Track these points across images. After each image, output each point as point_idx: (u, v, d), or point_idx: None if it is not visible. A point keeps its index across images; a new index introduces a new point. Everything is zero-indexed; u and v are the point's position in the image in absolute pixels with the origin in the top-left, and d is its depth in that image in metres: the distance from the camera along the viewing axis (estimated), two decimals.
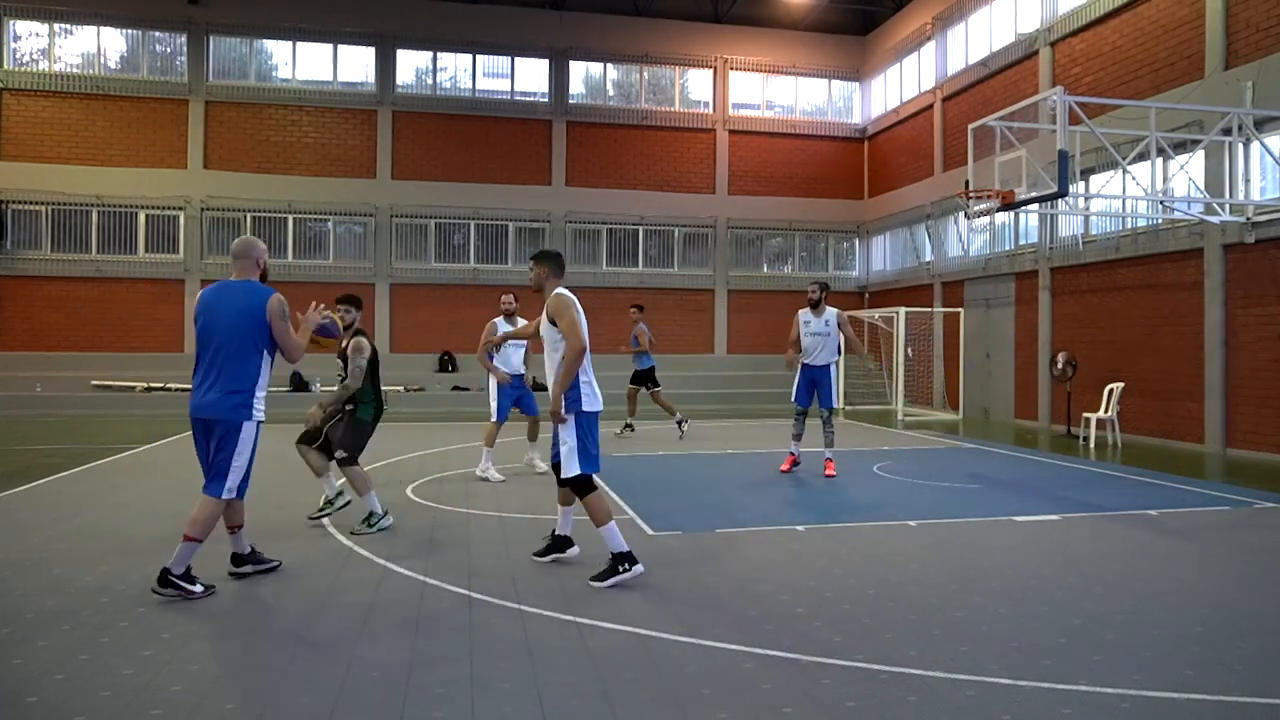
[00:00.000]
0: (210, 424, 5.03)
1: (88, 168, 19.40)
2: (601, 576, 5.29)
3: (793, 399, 9.94)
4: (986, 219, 15.51)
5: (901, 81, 21.76)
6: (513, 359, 9.43)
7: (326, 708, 3.53)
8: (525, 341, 8.92)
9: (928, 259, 20.33)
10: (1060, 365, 14.43)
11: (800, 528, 6.98)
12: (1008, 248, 17.62)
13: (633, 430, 14.00)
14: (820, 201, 23.07)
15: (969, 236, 18.52)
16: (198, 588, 5.00)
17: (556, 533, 5.85)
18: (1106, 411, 13.33)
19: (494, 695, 3.66)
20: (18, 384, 17.83)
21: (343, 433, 6.78)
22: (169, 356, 19.11)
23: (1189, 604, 4.99)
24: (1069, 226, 15.47)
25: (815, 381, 9.70)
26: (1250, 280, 12.02)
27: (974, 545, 6.41)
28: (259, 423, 5.11)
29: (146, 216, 19.83)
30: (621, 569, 5.26)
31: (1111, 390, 13.48)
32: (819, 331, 9.63)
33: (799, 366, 9.80)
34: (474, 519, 7.34)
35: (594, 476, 5.45)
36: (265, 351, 5.10)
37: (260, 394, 5.10)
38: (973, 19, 18.79)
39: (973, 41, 18.82)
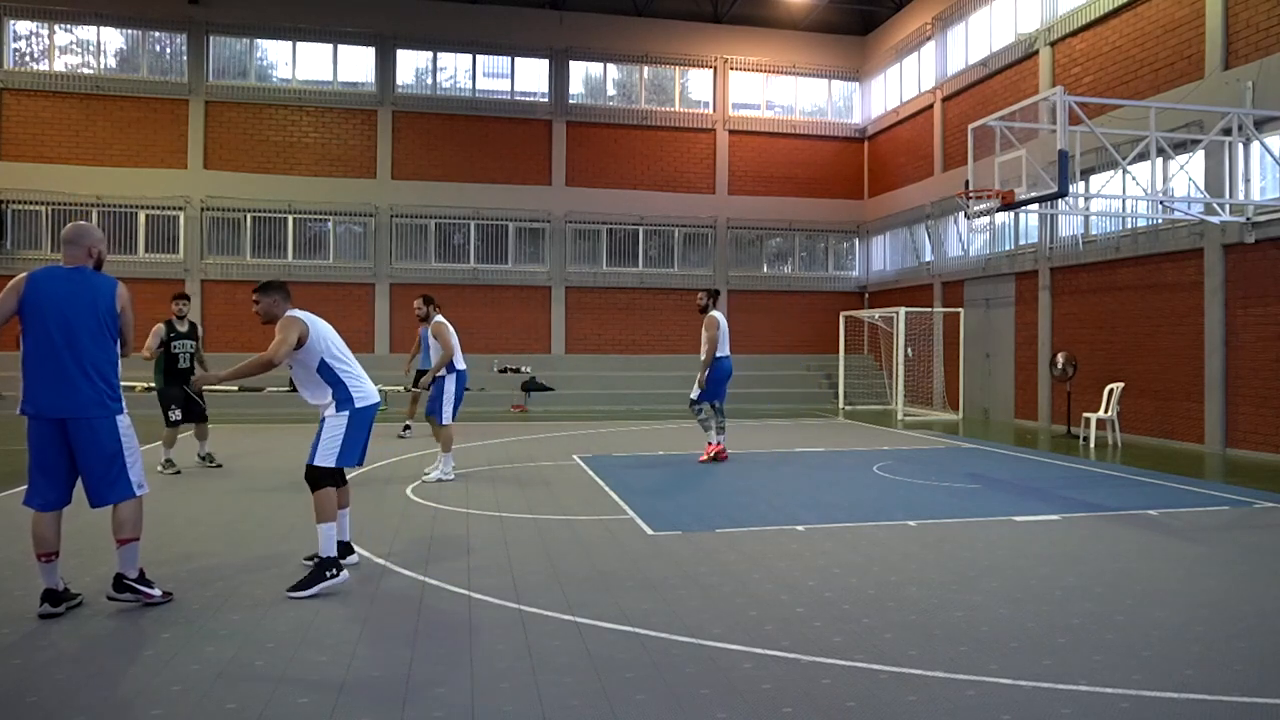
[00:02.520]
0: (75, 423, 4.62)
1: (88, 168, 19.40)
2: (304, 584, 5.06)
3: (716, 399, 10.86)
4: (986, 219, 15.51)
5: (901, 81, 21.75)
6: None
7: (326, 708, 3.53)
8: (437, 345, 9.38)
9: (928, 259, 20.33)
10: (1060, 365, 14.43)
11: (800, 528, 6.98)
12: (1008, 248, 17.62)
13: (409, 430, 13.55)
14: (820, 201, 23.07)
15: (969, 236, 18.52)
16: (156, 591, 4.85)
17: (338, 539, 5.56)
18: (1106, 411, 13.33)
19: (494, 695, 3.66)
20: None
21: None
22: None
23: (1189, 604, 4.99)
24: (1069, 226, 15.47)
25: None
26: (1250, 280, 12.02)
27: (974, 545, 6.41)
28: (127, 413, 4.85)
29: (146, 216, 19.84)
30: (328, 575, 5.11)
31: (1111, 390, 13.48)
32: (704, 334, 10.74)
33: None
34: (474, 519, 7.34)
35: (334, 473, 5.42)
36: (116, 342, 4.81)
37: (119, 386, 4.82)
38: (973, 19, 18.79)
39: (973, 41, 18.82)
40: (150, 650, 4.18)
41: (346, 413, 5.38)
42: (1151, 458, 11.75)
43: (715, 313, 10.75)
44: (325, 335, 5.45)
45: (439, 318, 9.44)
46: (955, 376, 18.36)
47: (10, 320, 4.67)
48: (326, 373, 5.38)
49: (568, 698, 3.63)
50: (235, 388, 18.59)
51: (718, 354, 10.71)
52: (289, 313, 5.40)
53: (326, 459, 5.33)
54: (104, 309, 4.73)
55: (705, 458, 10.79)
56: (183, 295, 10.22)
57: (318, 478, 5.32)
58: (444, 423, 9.30)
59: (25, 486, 4.79)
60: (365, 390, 5.51)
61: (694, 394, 10.81)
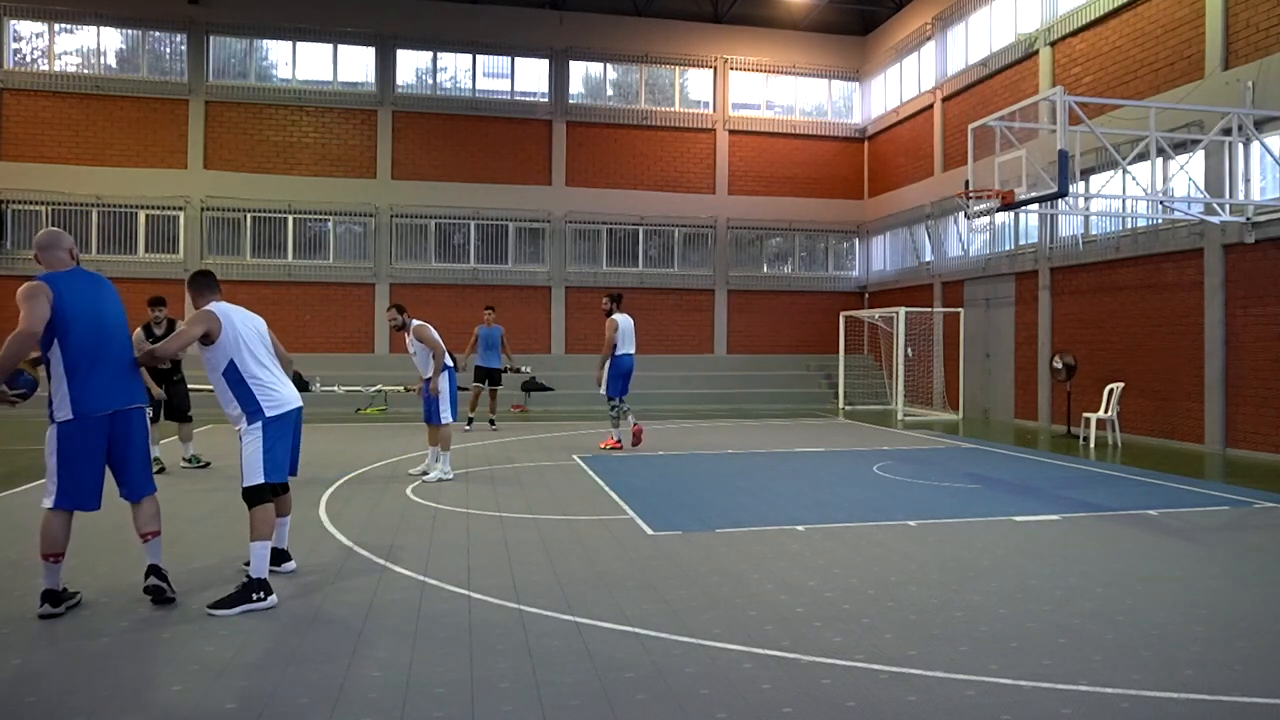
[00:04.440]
0: (125, 417, 4.83)
1: (88, 168, 19.40)
2: (228, 602, 4.75)
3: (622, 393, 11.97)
4: (986, 219, 15.51)
5: (901, 81, 21.75)
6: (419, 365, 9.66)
7: (326, 708, 3.53)
8: (428, 349, 9.26)
9: (928, 259, 20.32)
10: (1060, 365, 14.42)
11: (800, 528, 6.98)
12: (1008, 248, 17.61)
13: (495, 427, 14.79)
14: (820, 201, 23.07)
15: (969, 236, 18.52)
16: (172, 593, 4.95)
17: (272, 546, 5.27)
18: (1106, 411, 13.32)
19: (494, 695, 3.66)
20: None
21: None
22: None
23: (1189, 604, 4.99)
24: (1069, 226, 15.47)
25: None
26: (1250, 280, 12.02)
27: (974, 545, 6.41)
28: None
29: (146, 216, 19.83)
30: (255, 597, 4.79)
31: (1111, 390, 13.48)
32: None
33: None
34: (473, 519, 7.34)
35: (270, 488, 5.13)
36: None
37: None
38: (973, 19, 18.79)
39: (973, 41, 18.82)
40: (150, 650, 4.18)
41: (259, 424, 5.06)
42: (1151, 458, 11.74)
43: (617, 315, 11.86)
44: (241, 335, 5.14)
45: (416, 321, 9.40)
46: (955, 376, 18.36)
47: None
48: (232, 376, 5.06)
49: (568, 698, 3.63)
50: None
51: (619, 352, 11.80)
52: (207, 306, 5.18)
53: (253, 477, 5.03)
54: (120, 307, 4.97)
55: (605, 446, 11.98)
56: (158, 300, 10.16)
57: (252, 495, 5.05)
58: (444, 422, 9.32)
59: (28, 486, 4.79)
60: (277, 398, 5.16)
61: (603, 390, 11.96)
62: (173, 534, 6.66)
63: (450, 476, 9.31)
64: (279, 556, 5.53)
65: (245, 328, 5.23)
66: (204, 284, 5.33)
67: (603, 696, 3.65)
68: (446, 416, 9.31)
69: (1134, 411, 13.76)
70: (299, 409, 5.37)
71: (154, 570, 4.89)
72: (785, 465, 10.66)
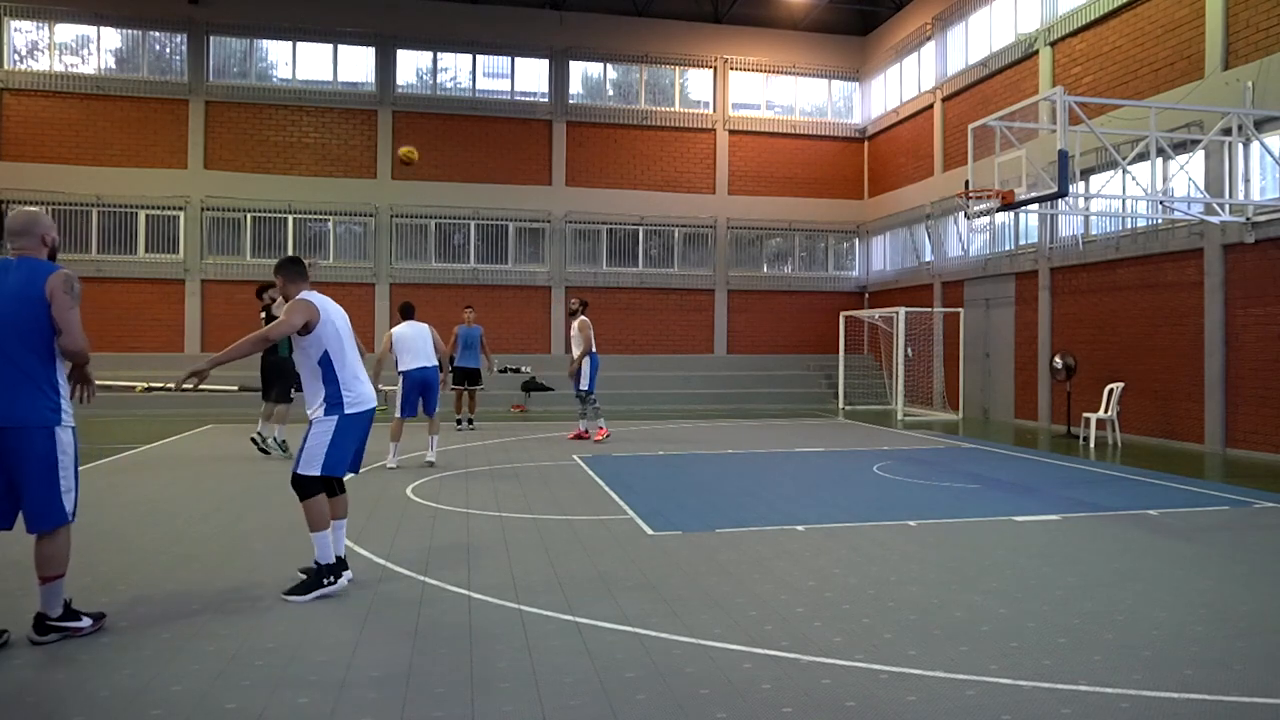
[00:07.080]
0: (9, 434, 4.11)
1: (88, 168, 19.39)
2: (302, 589, 4.90)
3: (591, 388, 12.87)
4: (986, 219, 15.51)
5: (901, 81, 21.75)
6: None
7: (327, 708, 3.53)
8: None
9: (928, 259, 20.32)
10: (1060, 365, 14.42)
11: (800, 528, 6.98)
12: (1008, 248, 17.62)
13: (472, 425, 14.75)
14: (820, 201, 23.07)
15: (969, 236, 18.52)
16: (85, 621, 4.37)
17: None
18: (1106, 411, 13.32)
19: (494, 695, 3.66)
20: None
21: None
22: (169, 357, 19.11)
23: (1189, 604, 4.99)
24: (1069, 226, 15.47)
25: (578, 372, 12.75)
26: (1250, 280, 12.02)
27: (974, 545, 6.41)
28: (73, 429, 4.33)
29: (146, 216, 19.83)
30: (326, 582, 4.93)
31: (1111, 390, 13.48)
32: (574, 334, 12.80)
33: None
34: (473, 519, 7.34)
35: (323, 480, 5.14)
36: (56, 339, 4.23)
37: (65, 390, 4.30)
38: (972, 19, 18.79)
39: (972, 42, 18.82)
40: (150, 650, 4.18)
41: (335, 418, 5.09)
42: (1151, 458, 11.74)
43: (585, 317, 12.81)
44: (337, 327, 5.21)
45: (392, 329, 10.33)
46: (955, 376, 18.36)
47: None
48: (325, 367, 5.12)
49: (568, 698, 3.63)
50: (236, 388, 18.62)
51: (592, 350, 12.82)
52: (302, 294, 5.19)
53: (310, 467, 5.03)
54: (35, 303, 4.14)
55: (599, 438, 12.82)
56: (267, 285, 10.63)
57: (304, 486, 5.06)
58: (393, 416, 10.29)
59: None
60: (360, 394, 5.21)
61: (584, 386, 12.74)
62: (173, 531, 6.67)
63: (393, 465, 10.04)
64: (337, 566, 5.16)
65: (339, 318, 5.29)
66: (296, 271, 5.34)
67: (603, 696, 3.64)
68: (394, 412, 10.30)
69: (1134, 411, 13.76)
70: (374, 409, 5.38)
71: (38, 623, 4.25)
72: (785, 465, 10.65)
